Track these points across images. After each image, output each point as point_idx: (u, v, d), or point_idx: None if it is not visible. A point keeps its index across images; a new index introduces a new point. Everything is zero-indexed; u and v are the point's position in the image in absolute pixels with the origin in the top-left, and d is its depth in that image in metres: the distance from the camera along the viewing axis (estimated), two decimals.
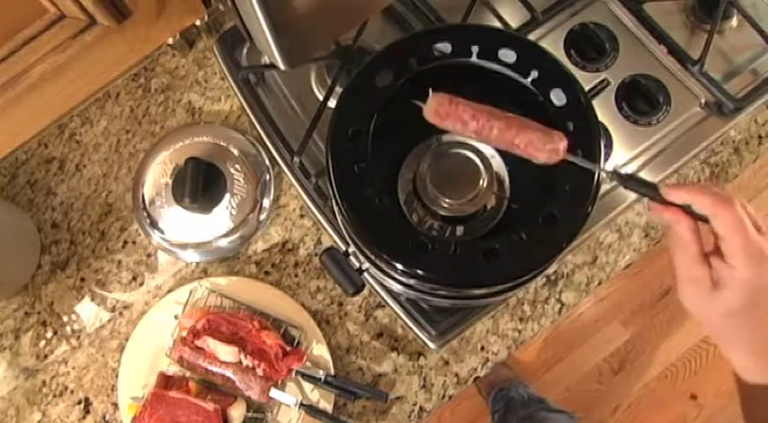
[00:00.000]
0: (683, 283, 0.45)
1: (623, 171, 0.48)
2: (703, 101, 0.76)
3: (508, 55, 0.59)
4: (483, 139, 0.49)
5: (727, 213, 0.42)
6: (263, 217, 0.80)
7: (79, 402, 0.78)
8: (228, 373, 0.72)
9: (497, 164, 0.62)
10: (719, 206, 0.43)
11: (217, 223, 0.78)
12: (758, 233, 0.42)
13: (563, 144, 0.48)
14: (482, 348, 0.78)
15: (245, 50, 0.82)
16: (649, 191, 0.46)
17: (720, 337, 0.45)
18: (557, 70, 0.59)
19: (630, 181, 0.47)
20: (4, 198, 0.84)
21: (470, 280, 0.56)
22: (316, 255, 0.80)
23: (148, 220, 0.80)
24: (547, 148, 0.47)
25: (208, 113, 0.86)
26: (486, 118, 0.48)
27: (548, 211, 0.55)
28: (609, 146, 0.74)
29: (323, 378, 0.73)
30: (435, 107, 0.50)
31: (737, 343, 0.44)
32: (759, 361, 0.44)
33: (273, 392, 0.73)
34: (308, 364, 0.75)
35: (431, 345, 0.73)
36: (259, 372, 0.72)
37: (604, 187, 0.73)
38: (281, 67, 0.56)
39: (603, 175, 0.48)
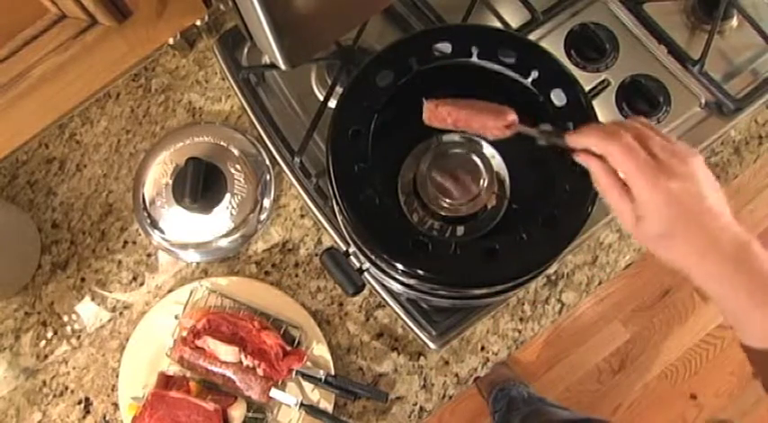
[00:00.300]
0: (619, 219, 0.47)
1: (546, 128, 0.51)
2: (703, 101, 0.76)
3: (508, 55, 0.59)
4: (464, 129, 0.53)
5: (613, 147, 0.44)
6: (263, 217, 0.80)
7: (79, 402, 0.78)
8: (229, 373, 0.72)
9: (498, 164, 0.62)
10: (605, 143, 0.44)
11: (217, 223, 0.78)
12: (659, 147, 0.44)
13: (512, 117, 0.50)
14: (482, 348, 0.78)
15: (245, 50, 0.82)
16: (562, 141, 0.49)
17: (667, 255, 0.45)
18: (557, 70, 0.59)
19: (552, 136, 0.49)
20: (4, 198, 0.84)
21: (470, 280, 0.56)
22: (316, 255, 0.80)
23: (149, 220, 0.80)
24: (500, 125, 0.51)
25: (208, 113, 0.86)
26: (457, 112, 0.52)
27: (548, 211, 0.55)
28: None
29: (323, 378, 0.73)
30: (427, 113, 0.54)
31: (683, 258, 0.44)
32: (704, 261, 0.43)
33: (274, 392, 0.73)
34: (309, 364, 0.75)
35: (431, 345, 0.73)
36: (259, 372, 0.72)
37: None
38: (282, 66, 0.56)
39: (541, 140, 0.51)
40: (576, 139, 0.47)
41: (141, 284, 0.81)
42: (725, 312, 0.45)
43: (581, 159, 0.47)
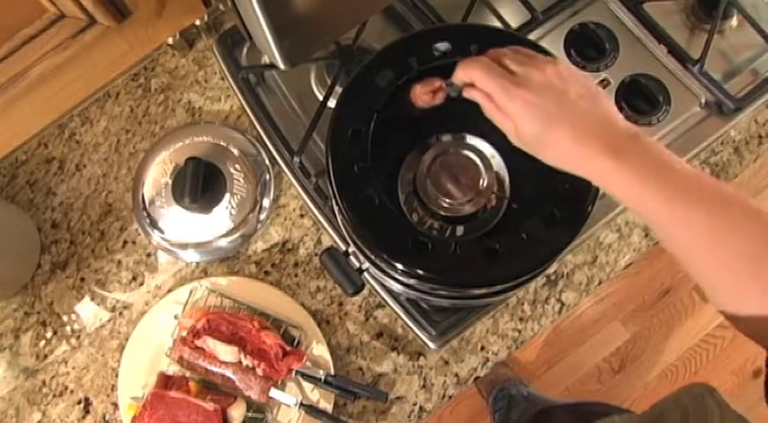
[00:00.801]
0: (508, 135, 0.50)
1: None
2: (703, 100, 0.76)
3: None
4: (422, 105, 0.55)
5: (473, 72, 0.48)
6: (262, 217, 0.80)
7: (79, 402, 0.78)
8: (228, 372, 0.72)
9: (497, 164, 0.62)
10: (465, 70, 0.49)
11: (217, 223, 0.78)
12: (513, 63, 0.48)
13: (439, 82, 0.53)
14: (482, 348, 0.78)
15: (244, 50, 0.82)
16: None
17: (553, 157, 0.47)
18: None
19: (455, 86, 0.52)
20: (3, 198, 0.84)
21: (470, 280, 0.56)
22: (316, 255, 0.80)
23: (148, 220, 0.80)
24: (426, 90, 0.53)
25: (208, 113, 0.86)
26: (422, 89, 0.54)
27: (548, 211, 0.55)
28: None
29: (323, 378, 0.73)
30: (412, 97, 0.55)
31: (567, 157, 0.46)
32: (590, 158, 0.45)
33: (273, 392, 0.73)
34: (308, 363, 0.74)
35: (431, 345, 0.73)
36: (259, 372, 0.72)
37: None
38: (281, 66, 0.56)
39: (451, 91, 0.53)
40: (456, 76, 0.51)
41: (141, 284, 0.81)
42: (635, 210, 0.46)
43: (466, 93, 0.50)
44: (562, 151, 0.46)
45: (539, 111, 0.46)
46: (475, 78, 0.49)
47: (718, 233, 0.42)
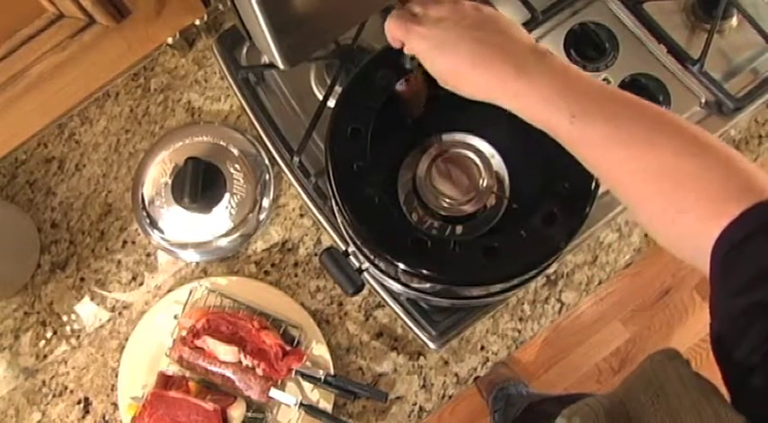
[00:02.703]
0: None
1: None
2: (703, 100, 0.76)
3: None
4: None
5: (387, 25, 0.50)
6: (262, 217, 0.80)
7: (79, 402, 0.78)
8: (228, 372, 0.72)
9: (497, 163, 0.62)
10: (387, 26, 0.50)
11: (216, 223, 0.78)
12: (417, 7, 0.49)
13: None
14: (482, 348, 0.78)
15: (244, 50, 0.82)
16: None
17: (464, 88, 0.48)
18: None
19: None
20: (3, 198, 0.84)
21: (470, 279, 0.56)
22: (315, 254, 0.80)
23: (148, 220, 0.80)
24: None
25: (207, 113, 0.86)
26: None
27: (547, 211, 0.55)
28: None
29: (323, 378, 0.73)
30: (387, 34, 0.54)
31: (478, 88, 0.47)
32: (486, 72, 0.45)
33: (273, 392, 0.73)
34: (308, 363, 0.74)
35: (431, 345, 0.73)
36: (259, 371, 0.72)
37: (604, 186, 0.73)
38: (281, 66, 0.55)
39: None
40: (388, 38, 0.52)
41: (140, 284, 0.81)
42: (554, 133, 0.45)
43: (405, 50, 0.52)
44: (469, 80, 0.46)
45: (434, 41, 0.47)
46: (389, 32, 0.50)
47: (621, 148, 0.41)
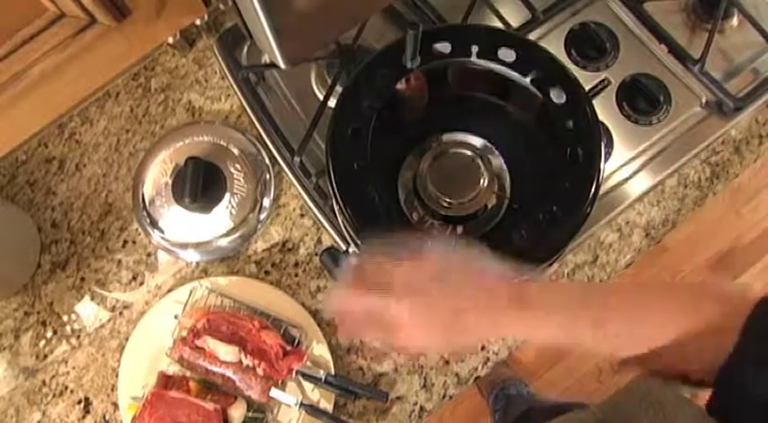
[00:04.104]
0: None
1: None
2: (704, 100, 0.76)
3: (508, 54, 0.59)
4: None
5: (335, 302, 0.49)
6: (263, 216, 0.80)
7: (79, 402, 0.78)
8: (229, 372, 0.72)
9: (498, 163, 0.62)
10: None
11: (217, 223, 0.78)
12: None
13: None
14: (482, 348, 0.78)
15: (245, 50, 0.82)
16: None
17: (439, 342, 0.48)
18: (556, 69, 0.59)
19: None
20: (3, 198, 0.84)
21: None
22: (316, 254, 0.80)
23: (148, 220, 0.80)
24: None
25: (208, 113, 0.86)
26: None
27: (548, 211, 0.55)
28: (609, 145, 0.74)
29: (323, 378, 0.73)
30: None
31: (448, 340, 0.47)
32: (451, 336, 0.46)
33: (274, 392, 0.73)
34: (309, 363, 0.74)
35: None
36: (259, 371, 0.72)
37: (605, 187, 0.73)
38: (282, 65, 0.56)
39: None
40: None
41: (141, 284, 0.81)
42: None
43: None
44: (464, 342, 0.48)
45: (413, 340, 0.46)
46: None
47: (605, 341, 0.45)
